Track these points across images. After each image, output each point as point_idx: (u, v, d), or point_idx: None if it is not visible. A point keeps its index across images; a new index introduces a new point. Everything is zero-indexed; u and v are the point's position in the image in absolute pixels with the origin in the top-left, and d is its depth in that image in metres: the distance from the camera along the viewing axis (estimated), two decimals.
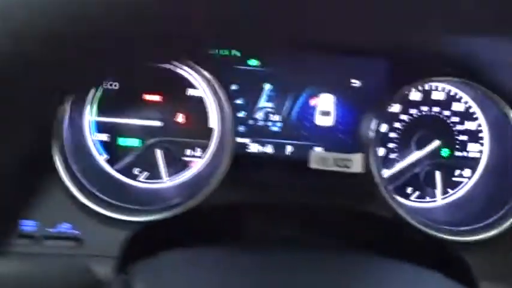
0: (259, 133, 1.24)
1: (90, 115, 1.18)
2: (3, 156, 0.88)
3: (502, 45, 0.98)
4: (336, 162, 1.15)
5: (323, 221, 1.10)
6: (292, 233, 1.08)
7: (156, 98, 1.19)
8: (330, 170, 1.15)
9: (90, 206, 0.98)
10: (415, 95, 1.24)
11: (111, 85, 1.18)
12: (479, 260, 1.02)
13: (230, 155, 1.08)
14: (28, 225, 0.94)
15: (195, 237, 0.97)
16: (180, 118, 1.20)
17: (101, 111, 1.18)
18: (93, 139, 1.19)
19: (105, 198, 1.03)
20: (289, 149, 1.25)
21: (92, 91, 1.17)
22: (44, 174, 0.98)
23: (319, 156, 1.16)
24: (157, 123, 1.18)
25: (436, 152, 1.24)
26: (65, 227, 0.95)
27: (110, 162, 1.19)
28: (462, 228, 1.10)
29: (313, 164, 1.15)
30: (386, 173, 1.25)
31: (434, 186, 1.24)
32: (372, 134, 1.14)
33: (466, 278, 1.00)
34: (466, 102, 1.25)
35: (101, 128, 1.19)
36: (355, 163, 1.15)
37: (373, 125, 1.14)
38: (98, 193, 1.03)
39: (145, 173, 1.20)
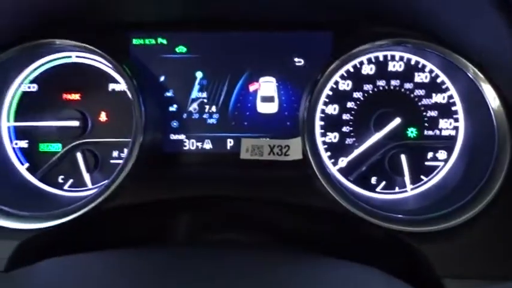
0: (195, 128, 1.11)
1: (7, 121, 1.09)
2: None
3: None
4: (271, 149, 0.99)
5: (258, 216, 0.93)
6: (222, 232, 0.92)
7: (76, 96, 1.09)
8: (266, 160, 0.99)
9: None
10: (367, 68, 1.07)
11: (29, 87, 1.10)
12: (444, 252, 0.81)
13: (138, 151, 0.94)
14: None
15: (101, 240, 0.84)
16: (103, 116, 1.09)
17: (19, 116, 1.09)
18: (13, 146, 1.09)
19: (2, 206, 0.91)
20: (230, 143, 1.10)
21: (10, 94, 1.09)
22: None
23: (251, 144, 1.00)
24: (77, 124, 1.06)
25: (401, 133, 1.05)
26: None
27: (30, 170, 1.09)
28: (426, 216, 0.89)
29: (245, 154, 0.99)
30: (344, 161, 1.07)
31: (401, 173, 1.04)
32: (305, 115, 0.98)
33: (427, 275, 0.79)
34: (431, 72, 1.07)
35: (19, 134, 1.10)
36: (294, 149, 0.98)
37: (306, 104, 0.98)
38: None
39: (70, 181, 1.09)
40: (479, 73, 0.95)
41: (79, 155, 1.07)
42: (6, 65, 1.02)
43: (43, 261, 0.73)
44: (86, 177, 1.07)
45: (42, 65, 1.09)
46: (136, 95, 1.00)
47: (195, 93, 1.11)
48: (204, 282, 0.63)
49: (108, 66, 1.08)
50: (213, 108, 1.11)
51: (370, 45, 1.00)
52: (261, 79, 1.10)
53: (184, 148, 1.11)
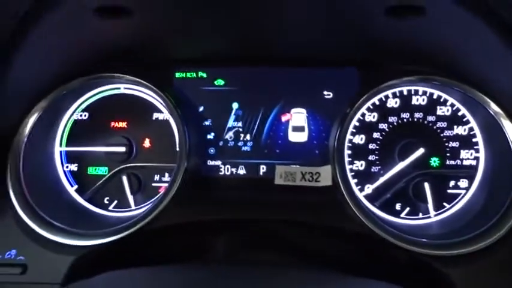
0: (230, 154, 1.20)
1: (60, 146, 1.19)
2: None
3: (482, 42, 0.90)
4: (303, 176, 1.06)
5: (290, 238, 1.00)
6: (257, 253, 0.99)
7: (123, 124, 1.19)
8: (298, 185, 1.06)
9: (38, 232, 0.96)
10: (392, 102, 1.15)
11: (81, 116, 1.20)
12: (466, 275, 0.86)
13: (182, 176, 1.03)
14: None
15: (147, 257, 0.92)
16: (147, 143, 1.18)
17: (71, 142, 1.19)
18: (64, 169, 1.19)
19: (57, 223, 1.00)
20: (262, 169, 1.18)
21: (63, 122, 1.19)
22: None
23: (284, 171, 1.08)
24: (122, 150, 1.16)
25: (424, 162, 1.12)
26: (10, 254, 0.93)
27: (79, 191, 1.18)
28: (448, 241, 0.95)
29: (278, 180, 1.07)
30: (369, 188, 1.14)
31: (425, 200, 1.10)
32: (335, 144, 1.06)
33: None
34: (452, 105, 1.14)
35: (70, 158, 1.20)
36: (324, 176, 1.05)
37: (336, 134, 1.06)
38: (49, 218, 1.01)
39: (115, 202, 1.18)
40: (500, 110, 1.03)
41: (124, 178, 1.16)
42: (64, 95, 1.13)
43: (96, 276, 0.80)
44: (130, 198, 1.16)
45: (94, 95, 1.20)
46: (181, 123, 1.09)
47: (231, 123, 1.20)
48: None
49: (153, 97, 1.19)
50: (248, 137, 1.20)
51: (396, 81, 1.09)
52: (293, 110, 1.19)
53: (220, 173, 1.19)
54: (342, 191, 0.99)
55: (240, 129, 1.20)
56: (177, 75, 1.20)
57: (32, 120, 1.07)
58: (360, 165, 1.14)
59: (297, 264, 0.90)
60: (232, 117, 1.20)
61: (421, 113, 1.14)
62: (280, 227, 1.00)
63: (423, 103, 1.15)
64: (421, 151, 1.11)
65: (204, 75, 1.20)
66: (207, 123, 1.20)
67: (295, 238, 1.00)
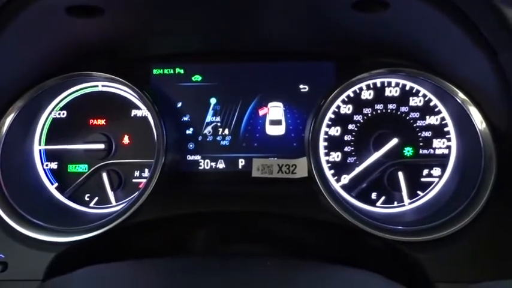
0: (209, 149, 1.21)
1: (39, 144, 1.20)
2: None
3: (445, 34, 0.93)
4: (280, 168, 1.09)
5: (269, 229, 1.02)
6: (236, 245, 1.01)
7: (102, 121, 1.20)
8: (275, 178, 1.09)
9: (18, 229, 0.97)
10: (367, 94, 1.18)
11: (59, 114, 1.21)
12: (438, 259, 0.89)
13: (160, 171, 1.04)
14: None
15: (128, 252, 0.93)
16: (126, 139, 1.19)
17: (50, 140, 1.20)
18: (44, 168, 1.20)
19: (37, 220, 1.01)
20: (241, 163, 1.20)
21: (42, 120, 1.20)
22: None
23: (261, 164, 1.10)
24: (101, 147, 1.17)
25: (398, 152, 1.15)
26: None
27: (60, 189, 1.19)
28: (422, 227, 0.98)
29: (256, 173, 1.10)
30: (346, 178, 1.16)
31: (399, 189, 1.14)
32: (310, 136, 1.08)
33: (423, 280, 0.88)
34: (424, 96, 1.17)
35: (49, 156, 1.20)
36: (300, 168, 1.08)
37: (311, 126, 1.09)
38: (28, 216, 1.01)
39: (95, 199, 1.19)
40: (467, 98, 1.06)
41: (104, 175, 1.17)
42: (41, 94, 1.13)
43: (76, 271, 0.81)
44: (111, 195, 1.17)
45: (71, 93, 1.21)
46: (158, 119, 1.11)
47: (209, 118, 1.22)
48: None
49: (131, 94, 1.20)
50: (226, 131, 1.22)
51: (369, 74, 1.11)
52: (270, 104, 1.21)
53: (200, 168, 1.21)
54: (317, 182, 1.02)
55: (219, 124, 1.22)
56: (155, 71, 1.21)
57: (8, 120, 1.08)
58: (336, 156, 1.17)
59: (276, 254, 0.92)
60: (211, 112, 1.22)
61: (395, 104, 1.17)
62: (258, 218, 1.02)
63: (396, 94, 1.17)
64: (394, 141, 1.14)
65: (182, 71, 1.22)
66: (185, 118, 1.22)
67: (273, 229, 1.02)
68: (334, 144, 1.17)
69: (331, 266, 0.81)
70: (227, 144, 1.21)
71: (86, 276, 0.80)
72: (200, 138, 1.22)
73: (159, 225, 1.03)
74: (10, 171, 1.07)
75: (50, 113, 1.20)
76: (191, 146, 1.22)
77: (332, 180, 1.14)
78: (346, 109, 1.18)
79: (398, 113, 1.17)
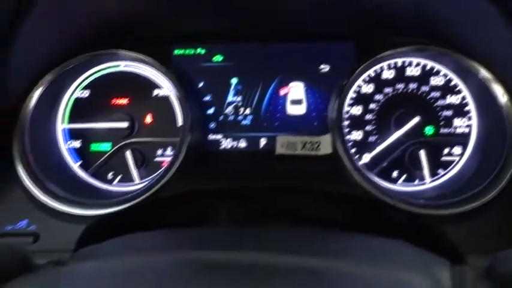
0: (231, 128, 1.22)
1: (62, 123, 1.21)
2: None
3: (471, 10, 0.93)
4: (304, 145, 1.10)
5: (293, 204, 1.03)
6: (260, 220, 1.02)
7: (124, 101, 1.21)
8: (299, 155, 1.10)
9: (47, 203, 0.98)
10: (387, 73, 1.19)
11: (82, 93, 1.22)
12: (464, 232, 0.91)
13: (195, 149, 1.05)
14: None
15: (154, 225, 0.94)
16: (149, 118, 1.21)
17: (73, 119, 1.21)
18: (67, 147, 1.21)
19: (65, 195, 1.03)
20: (262, 142, 1.21)
21: (65, 100, 1.21)
22: (5, 170, 1.00)
23: (285, 141, 1.11)
24: (125, 125, 1.18)
25: (419, 131, 1.16)
26: (22, 224, 0.95)
27: (83, 168, 1.20)
28: (445, 202, 0.99)
29: (280, 149, 1.10)
30: (367, 156, 1.17)
31: (420, 168, 1.15)
32: (335, 115, 1.09)
33: (452, 252, 0.89)
34: (445, 76, 1.18)
35: (73, 135, 1.21)
36: (324, 145, 1.09)
37: (335, 106, 1.10)
38: (56, 190, 1.03)
39: (119, 176, 1.20)
40: (490, 76, 1.07)
41: (128, 153, 1.18)
42: (64, 73, 1.15)
43: (107, 240, 0.83)
44: (134, 173, 1.18)
45: (94, 73, 1.22)
46: (181, 99, 1.12)
47: (230, 98, 1.23)
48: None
49: (153, 74, 1.21)
50: (247, 111, 1.22)
51: (389, 53, 1.12)
52: (291, 84, 1.21)
53: (221, 147, 1.22)
54: (341, 159, 1.03)
55: (240, 104, 1.23)
56: (176, 52, 1.22)
57: (37, 94, 1.09)
58: (357, 135, 1.18)
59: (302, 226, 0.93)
60: (232, 92, 1.23)
61: (415, 84, 1.18)
62: (282, 194, 1.03)
63: (417, 74, 1.18)
64: (415, 120, 1.15)
65: (203, 51, 1.22)
66: (207, 98, 1.23)
67: (298, 205, 1.03)
68: (355, 123, 1.18)
69: (362, 235, 0.82)
70: (248, 123, 1.22)
71: (117, 245, 0.81)
72: (221, 118, 1.23)
73: (184, 201, 1.04)
74: (36, 147, 1.08)
75: (73, 93, 1.22)
76: (212, 125, 1.23)
77: (354, 158, 1.15)
78: (367, 88, 1.19)
79: (419, 92, 1.18)
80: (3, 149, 1.02)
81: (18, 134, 1.05)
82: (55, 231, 0.95)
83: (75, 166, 1.20)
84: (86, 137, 1.21)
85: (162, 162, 1.20)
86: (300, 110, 1.21)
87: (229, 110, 1.23)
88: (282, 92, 1.22)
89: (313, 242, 0.78)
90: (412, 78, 1.18)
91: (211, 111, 1.23)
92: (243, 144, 1.22)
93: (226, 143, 1.22)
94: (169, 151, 1.20)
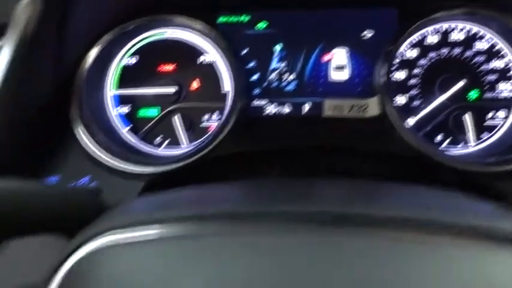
0: (274, 94, 1.24)
1: (110, 89, 1.24)
2: (24, 104, 0.95)
3: None
4: (351, 108, 1.12)
5: (342, 164, 1.05)
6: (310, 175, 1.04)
7: (171, 67, 1.24)
8: (346, 117, 1.12)
9: (107, 161, 1.02)
10: (432, 38, 1.19)
11: (129, 61, 1.25)
12: None
13: (236, 115, 1.08)
14: (50, 181, 0.99)
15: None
16: (195, 84, 1.23)
17: (121, 85, 1.24)
18: (116, 113, 1.24)
19: (121, 153, 1.06)
20: (306, 107, 1.23)
21: (113, 67, 1.24)
22: (63, 130, 1.04)
23: (333, 104, 1.13)
24: (173, 90, 1.21)
25: (463, 95, 1.17)
26: (84, 181, 0.99)
27: (132, 132, 1.24)
28: (494, 160, 1.01)
29: (327, 112, 1.13)
30: (411, 121, 1.19)
31: (464, 131, 1.16)
32: (383, 80, 1.11)
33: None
34: (489, 41, 1.18)
35: (121, 101, 1.25)
36: (371, 107, 1.11)
37: (383, 71, 1.11)
38: (113, 149, 1.06)
39: (167, 141, 1.23)
40: None
41: (176, 118, 1.22)
42: (113, 40, 1.18)
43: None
44: (182, 137, 1.22)
45: (141, 40, 1.25)
46: (227, 66, 1.15)
47: (274, 64, 1.25)
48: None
49: (198, 41, 1.23)
50: (291, 77, 1.24)
51: (434, 17, 1.13)
52: (334, 50, 1.23)
53: (265, 113, 1.24)
54: (391, 119, 1.05)
55: (283, 70, 1.24)
56: (220, 19, 1.24)
57: (93, 54, 1.12)
58: (401, 100, 1.19)
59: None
60: (275, 58, 1.24)
61: (460, 49, 1.19)
62: (330, 154, 1.06)
63: (461, 39, 1.19)
64: (460, 85, 1.16)
65: (247, 18, 1.24)
66: (251, 65, 1.25)
67: (347, 164, 1.06)
68: (399, 88, 1.19)
69: (425, 188, 0.83)
70: (292, 89, 1.24)
71: (180, 193, 0.84)
72: (265, 84, 1.25)
73: (236, 160, 1.07)
74: (92, 111, 1.12)
75: (121, 60, 1.25)
76: (257, 91, 1.25)
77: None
78: (411, 53, 1.20)
79: (463, 57, 1.18)
80: (61, 110, 1.06)
81: (75, 95, 1.08)
82: (116, 188, 0.98)
83: (125, 131, 1.24)
84: (134, 102, 1.25)
85: (208, 127, 1.23)
86: (343, 75, 1.23)
87: (273, 76, 1.25)
88: (325, 58, 1.23)
89: (386, 194, 0.80)
90: (457, 43, 1.19)
91: (255, 77, 1.25)
92: (286, 109, 1.24)
93: (270, 109, 1.25)
94: (215, 116, 1.23)
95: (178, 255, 0.35)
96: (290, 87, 1.24)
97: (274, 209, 0.42)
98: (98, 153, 1.04)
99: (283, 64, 1.24)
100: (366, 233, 0.38)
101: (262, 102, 1.25)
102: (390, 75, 1.19)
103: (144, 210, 0.46)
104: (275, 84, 1.25)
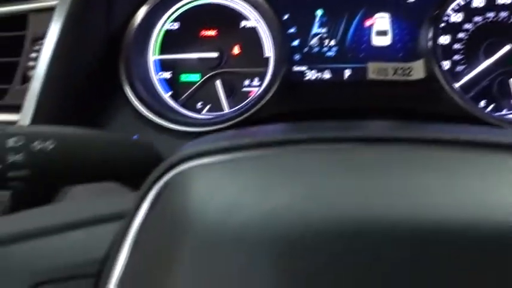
0: (315, 60, 1.24)
1: (153, 54, 1.26)
2: (78, 62, 0.97)
3: None
4: (395, 71, 1.11)
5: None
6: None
7: (212, 33, 1.24)
8: (390, 80, 1.11)
9: (155, 120, 1.04)
10: (478, 2, 1.18)
11: (171, 25, 1.26)
12: None
13: (280, 79, 1.09)
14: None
15: None
16: (236, 50, 1.24)
17: (163, 51, 1.26)
18: (158, 78, 1.26)
19: (166, 115, 1.09)
20: (347, 73, 1.23)
21: (156, 32, 1.25)
22: (113, 90, 1.06)
23: (377, 67, 1.13)
24: (214, 55, 1.22)
25: (509, 60, 1.15)
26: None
27: (174, 97, 1.25)
28: None
29: (371, 75, 1.12)
30: (455, 85, 1.18)
31: (509, 97, 1.15)
32: (430, 44, 1.10)
33: None
34: None
35: (163, 66, 1.26)
36: (416, 70, 1.10)
37: (430, 34, 1.10)
38: (160, 109, 1.09)
39: (208, 106, 1.25)
40: None
41: (217, 83, 1.23)
42: (157, 5, 1.19)
43: None
44: (224, 102, 1.23)
45: (182, 6, 1.26)
46: (268, 31, 1.15)
47: (315, 29, 1.24)
48: None
49: (240, 6, 1.23)
50: (332, 42, 1.24)
51: None
52: (376, 15, 1.22)
53: (306, 78, 1.25)
54: (440, 81, 1.04)
55: (325, 36, 1.24)
56: None
57: (140, 15, 1.14)
58: (445, 65, 1.18)
59: None
60: (317, 24, 1.24)
61: (506, 12, 1.17)
62: (375, 115, 1.06)
63: (508, 1, 1.17)
64: (505, 49, 1.15)
65: None
66: (291, 30, 1.25)
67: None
68: (444, 52, 1.18)
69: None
70: (333, 55, 1.24)
71: None
72: (306, 49, 1.25)
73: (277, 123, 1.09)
74: (137, 74, 1.14)
75: (163, 25, 1.26)
76: (297, 57, 1.25)
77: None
78: (456, 18, 1.18)
79: (510, 21, 1.16)
80: (111, 70, 1.08)
81: (123, 56, 1.10)
82: (165, 146, 1.00)
83: (166, 96, 1.25)
84: (175, 68, 1.26)
85: (249, 92, 1.24)
86: (385, 41, 1.22)
87: (314, 41, 1.25)
88: (367, 23, 1.23)
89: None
90: (503, 7, 1.17)
91: (296, 43, 1.25)
92: (327, 75, 1.24)
93: (311, 74, 1.25)
94: (255, 82, 1.24)
95: (276, 172, 0.37)
96: (331, 52, 1.24)
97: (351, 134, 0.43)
98: (146, 112, 1.06)
99: (324, 29, 1.24)
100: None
101: (303, 67, 1.25)
102: (434, 41, 1.18)
103: (232, 137, 0.48)
104: (316, 49, 1.25)
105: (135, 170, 0.77)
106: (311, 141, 0.40)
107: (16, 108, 0.90)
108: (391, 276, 0.30)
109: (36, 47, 0.92)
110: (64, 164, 0.71)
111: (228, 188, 0.36)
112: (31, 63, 0.92)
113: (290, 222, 0.31)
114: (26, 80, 0.92)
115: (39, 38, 0.92)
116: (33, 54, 0.92)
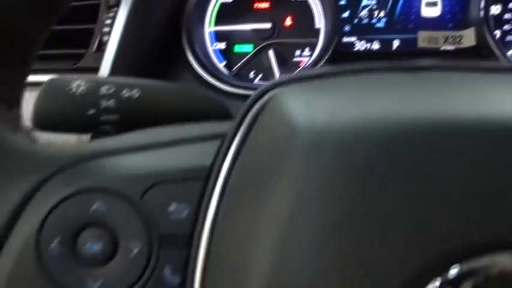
0: (364, 31, 1.28)
1: (208, 26, 1.33)
2: (147, 30, 1.05)
3: None
4: (446, 39, 1.14)
5: None
6: None
7: (266, 5, 1.30)
8: (439, 49, 1.14)
9: (216, 84, 1.12)
10: None
11: None
12: None
13: (330, 50, 1.14)
14: None
15: None
16: (288, 21, 1.29)
17: (218, 22, 1.33)
18: (213, 48, 1.33)
19: (224, 80, 1.16)
20: (396, 44, 1.26)
21: (212, 4, 1.32)
22: (176, 57, 1.14)
23: (427, 36, 1.16)
24: (267, 26, 1.28)
25: None
26: None
27: (227, 67, 1.32)
28: None
29: (422, 44, 1.16)
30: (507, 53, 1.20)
31: None
32: (482, 13, 1.12)
33: None
34: None
35: (218, 37, 1.33)
36: (466, 38, 1.12)
37: (482, 4, 1.12)
38: (218, 75, 1.16)
39: (260, 75, 1.31)
40: None
41: (270, 53, 1.29)
42: None
43: None
44: (275, 71, 1.29)
45: None
46: (328, 2, 1.20)
47: (365, 1, 1.28)
48: None
49: None
50: (381, 14, 1.28)
51: None
52: None
53: (355, 49, 1.29)
54: (491, 47, 1.06)
55: (374, 7, 1.28)
56: None
57: None
58: (496, 34, 1.20)
59: None
60: None
61: None
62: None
63: None
64: None
65: None
66: (342, 2, 1.29)
67: None
68: (494, 22, 1.20)
69: None
70: (382, 26, 1.28)
71: None
72: (356, 21, 1.29)
73: None
74: (197, 41, 1.22)
75: None
76: (347, 28, 1.29)
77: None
78: None
79: None
80: (175, 39, 1.16)
81: (185, 27, 1.18)
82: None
83: (221, 66, 1.33)
84: (230, 39, 1.33)
85: (299, 62, 1.30)
86: (434, 12, 1.24)
87: (364, 13, 1.28)
88: None
89: None
90: None
91: (346, 14, 1.29)
92: (376, 46, 1.28)
93: (360, 45, 1.29)
94: (306, 52, 1.29)
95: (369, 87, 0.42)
96: (380, 24, 1.28)
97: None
98: (207, 76, 1.14)
99: (374, 1, 1.27)
100: None
101: (353, 38, 1.29)
102: (485, 10, 1.19)
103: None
104: (365, 21, 1.28)
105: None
106: (392, 69, 0.46)
107: (93, 71, 0.99)
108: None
109: (111, 15, 1.00)
110: (148, 110, 0.79)
111: (325, 102, 0.41)
112: (106, 29, 1.01)
113: (390, 124, 0.36)
114: (101, 45, 1.02)
115: (113, 6, 1.00)
116: (108, 21, 1.01)
